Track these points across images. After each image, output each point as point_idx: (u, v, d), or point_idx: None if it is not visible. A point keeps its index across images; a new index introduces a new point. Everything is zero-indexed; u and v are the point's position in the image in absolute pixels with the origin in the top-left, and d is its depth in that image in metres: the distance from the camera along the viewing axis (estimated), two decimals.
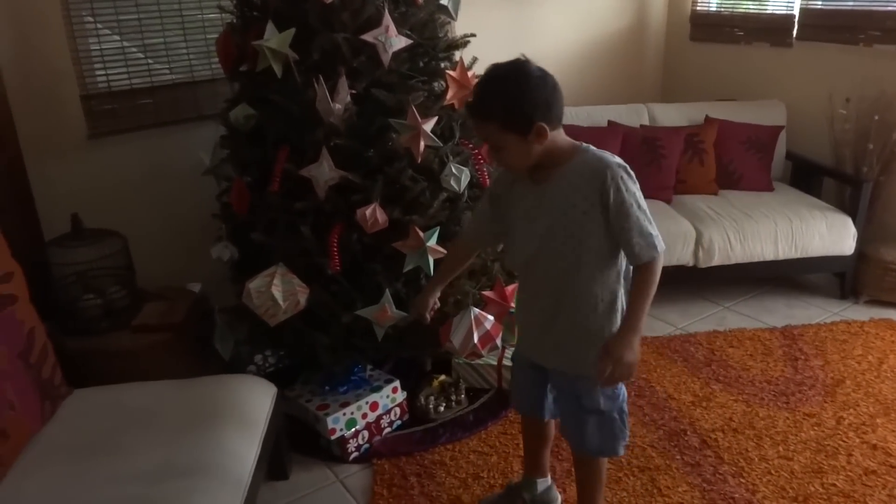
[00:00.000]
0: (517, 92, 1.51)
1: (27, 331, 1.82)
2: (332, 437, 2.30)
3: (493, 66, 1.56)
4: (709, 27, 4.17)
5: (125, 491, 1.57)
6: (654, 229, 1.57)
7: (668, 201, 3.42)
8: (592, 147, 1.62)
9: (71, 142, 2.72)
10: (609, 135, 3.47)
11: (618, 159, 1.58)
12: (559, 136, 1.60)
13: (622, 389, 1.75)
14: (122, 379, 2.06)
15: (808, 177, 3.63)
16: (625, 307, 1.66)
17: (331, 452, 2.34)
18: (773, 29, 3.83)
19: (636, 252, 1.55)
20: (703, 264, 3.19)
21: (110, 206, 2.76)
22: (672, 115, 3.70)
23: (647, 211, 1.58)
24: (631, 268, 1.62)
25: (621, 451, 1.79)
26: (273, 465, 2.16)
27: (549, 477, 2.10)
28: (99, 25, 2.71)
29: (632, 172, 1.58)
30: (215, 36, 2.54)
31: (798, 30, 3.71)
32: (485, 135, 1.59)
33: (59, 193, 2.64)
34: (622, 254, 1.62)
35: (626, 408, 1.77)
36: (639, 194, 1.58)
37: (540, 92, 1.52)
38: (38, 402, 1.79)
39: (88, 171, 2.76)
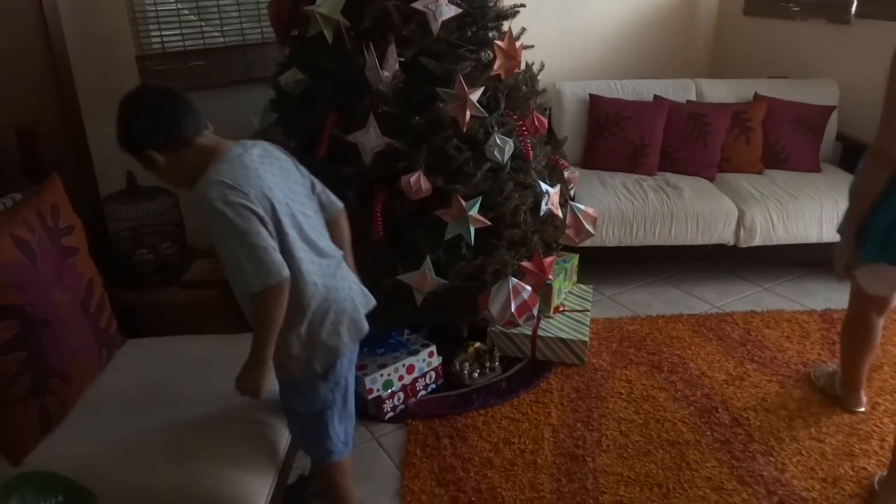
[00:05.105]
0: (123, 123, 1.54)
1: (87, 281, 1.91)
2: (370, 397, 2.37)
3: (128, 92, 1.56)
4: (763, 1, 4.05)
5: (175, 435, 1.67)
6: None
7: (712, 179, 3.37)
8: (218, 165, 1.50)
9: None
10: (654, 110, 3.43)
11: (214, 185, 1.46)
12: (194, 155, 1.52)
13: (320, 397, 1.66)
14: (171, 332, 2.15)
15: (858, 159, 3.49)
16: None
17: (367, 411, 2.42)
18: (830, 4, 3.71)
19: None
20: (743, 244, 3.16)
21: None
22: (720, 91, 3.63)
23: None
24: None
25: (334, 459, 1.74)
26: None
27: None
28: None
29: (232, 199, 1.43)
30: (267, 0, 2.58)
31: (857, 6, 3.59)
32: None
33: (114, 151, 2.68)
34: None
35: (326, 417, 1.68)
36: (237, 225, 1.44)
37: (151, 118, 1.51)
38: (96, 349, 1.88)
39: None
